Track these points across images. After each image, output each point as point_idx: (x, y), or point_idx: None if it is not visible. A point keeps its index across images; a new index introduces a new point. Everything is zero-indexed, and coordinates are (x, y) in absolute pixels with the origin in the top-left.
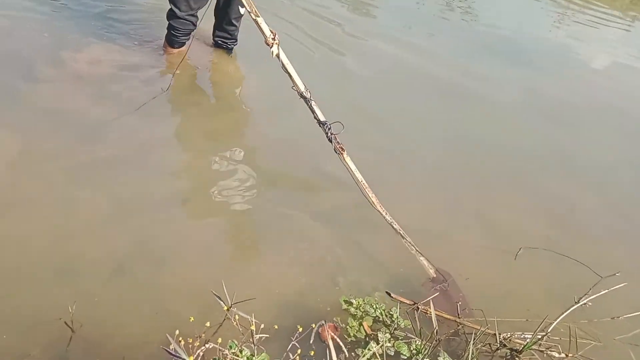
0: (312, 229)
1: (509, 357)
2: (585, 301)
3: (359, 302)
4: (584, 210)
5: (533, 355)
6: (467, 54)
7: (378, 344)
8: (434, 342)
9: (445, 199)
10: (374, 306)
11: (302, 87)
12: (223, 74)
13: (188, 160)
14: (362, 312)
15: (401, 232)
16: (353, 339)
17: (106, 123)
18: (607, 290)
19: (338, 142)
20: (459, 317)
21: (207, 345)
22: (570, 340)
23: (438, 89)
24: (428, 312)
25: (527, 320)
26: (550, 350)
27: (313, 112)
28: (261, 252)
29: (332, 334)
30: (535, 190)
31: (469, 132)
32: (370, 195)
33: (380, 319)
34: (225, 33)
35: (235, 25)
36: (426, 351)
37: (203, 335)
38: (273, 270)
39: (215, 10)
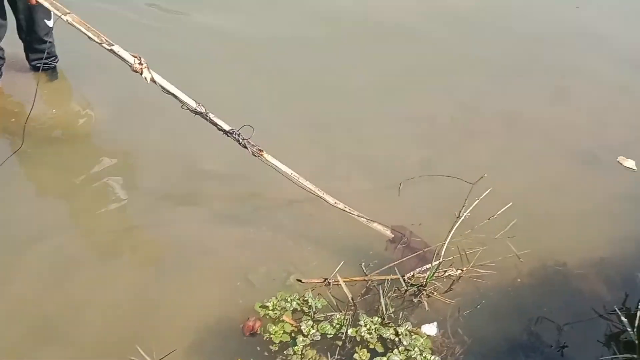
0: (214, 238)
1: (417, 292)
2: (464, 214)
3: (274, 303)
4: (443, 122)
5: (435, 284)
6: None
7: (304, 335)
8: (351, 309)
9: (320, 151)
10: (289, 299)
11: (192, 104)
12: (56, 102)
13: (64, 211)
14: (280, 309)
15: (347, 209)
16: (279, 345)
17: None
18: (478, 199)
19: (253, 145)
20: (366, 276)
21: None
22: (460, 255)
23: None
24: (339, 284)
25: (425, 250)
26: (447, 272)
27: (215, 124)
28: (166, 281)
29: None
30: (397, 116)
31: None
32: (305, 183)
33: (299, 309)
34: (38, 54)
35: (46, 42)
36: (347, 321)
37: None
38: (186, 295)
39: (19, 33)
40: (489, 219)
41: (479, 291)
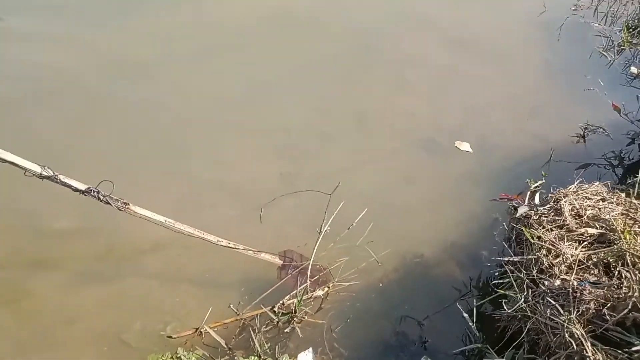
0: (78, 303)
1: (290, 320)
2: (324, 229)
3: None
4: (299, 130)
5: (304, 308)
6: None
7: None
8: (228, 354)
9: (182, 182)
10: (160, 359)
11: (37, 169)
12: None
13: None
14: None
15: (232, 245)
16: None
17: None
18: (335, 212)
19: (117, 200)
20: (238, 314)
21: None
22: (324, 272)
23: None
24: (212, 329)
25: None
26: (315, 292)
27: (68, 186)
28: None
29: None
30: (252, 132)
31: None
32: (182, 228)
33: None
34: None
35: None
36: None
37: None
38: None
39: None
40: (348, 228)
41: (346, 302)
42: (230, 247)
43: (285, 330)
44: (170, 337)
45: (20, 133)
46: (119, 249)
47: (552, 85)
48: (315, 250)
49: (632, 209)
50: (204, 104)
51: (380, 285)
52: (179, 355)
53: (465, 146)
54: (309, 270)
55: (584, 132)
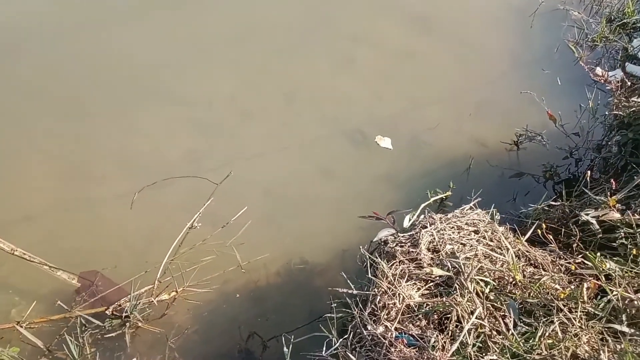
0: None
1: (124, 324)
2: (194, 224)
3: None
4: (222, 104)
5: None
6: None
7: None
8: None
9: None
10: None
11: None
12: None
13: None
14: None
15: (27, 256)
16: None
17: None
18: (198, 214)
19: None
20: (68, 311)
21: None
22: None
23: None
24: (34, 325)
25: (145, 272)
26: (161, 295)
27: None
28: None
29: None
30: (172, 99)
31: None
32: None
33: None
34: None
35: None
36: None
37: None
38: None
39: None
40: (222, 227)
41: (193, 312)
42: (25, 259)
43: (113, 335)
44: None
45: None
46: None
47: (508, 80)
48: (171, 250)
49: (498, 248)
50: (124, 63)
51: (238, 296)
52: None
53: (386, 142)
54: (159, 273)
55: (518, 139)
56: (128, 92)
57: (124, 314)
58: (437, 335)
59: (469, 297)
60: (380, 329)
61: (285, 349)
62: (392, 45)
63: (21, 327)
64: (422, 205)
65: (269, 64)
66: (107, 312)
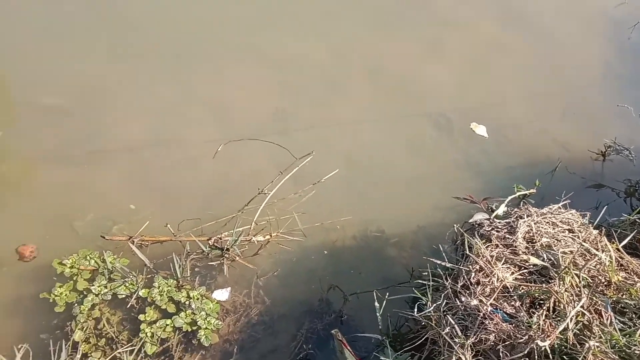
0: (42, 180)
1: (222, 256)
2: (265, 188)
3: (73, 260)
4: (310, 69)
5: (240, 247)
6: None
7: (95, 294)
8: (147, 270)
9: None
10: (88, 257)
11: None
12: None
13: None
14: (77, 269)
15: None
16: (63, 307)
17: None
18: (288, 176)
19: None
20: (174, 236)
21: None
22: (270, 222)
23: None
24: (145, 242)
25: (241, 212)
26: (255, 237)
27: None
28: None
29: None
30: (263, 58)
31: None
32: None
33: (97, 267)
34: None
35: None
36: (138, 283)
37: None
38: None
39: None
40: (313, 184)
41: (283, 256)
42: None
43: (213, 264)
44: (103, 237)
45: None
46: (95, 138)
47: (598, 89)
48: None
49: (594, 248)
50: (218, 20)
51: (325, 252)
52: (103, 258)
53: (481, 130)
54: (256, 216)
55: (605, 150)
56: (226, 49)
57: (224, 247)
58: (538, 316)
59: (571, 286)
60: (474, 302)
61: (376, 303)
62: (483, 36)
63: (132, 243)
64: (509, 198)
65: (360, 39)
66: (209, 242)
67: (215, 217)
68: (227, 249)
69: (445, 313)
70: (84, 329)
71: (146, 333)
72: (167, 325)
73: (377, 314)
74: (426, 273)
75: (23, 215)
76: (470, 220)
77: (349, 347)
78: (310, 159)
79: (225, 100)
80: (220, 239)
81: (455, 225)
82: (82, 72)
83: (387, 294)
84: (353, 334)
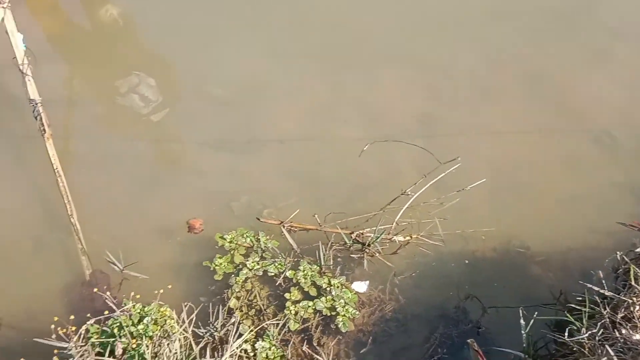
0: (208, 162)
1: (362, 250)
2: (408, 189)
3: (232, 236)
4: (460, 74)
5: (380, 245)
6: None
7: (249, 269)
8: (297, 254)
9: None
10: (245, 235)
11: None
12: None
13: None
14: (235, 244)
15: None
16: (221, 276)
17: None
18: (434, 181)
19: (43, 124)
20: (320, 226)
21: None
22: (411, 223)
23: None
24: (293, 228)
25: (383, 211)
26: (395, 236)
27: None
28: (158, 190)
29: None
30: (413, 61)
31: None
32: (63, 187)
33: (252, 245)
34: None
35: None
36: (287, 265)
37: None
38: (171, 208)
39: None
40: (457, 191)
41: (423, 259)
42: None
43: (354, 257)
44: (259, 219)
45: None
46: (253, 130)
47: None
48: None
49: None
50: (379, 21)
51: (467, 262)
52: (258, 238)
53: None
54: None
55: None
56: (380, 53)
57: (366, 242)
58: None
59: None
60: (637, 337)
61: (522, 321)
62: None
63: (283, 227)
64: None
65: (517, 46)
66: (352, 235)
67: (357, 213)
68: (369, 245)
69: (601, 342)
70: (238, 298)
71: (290, 310)
72: (309, 306)
73: (523, 332)
74: (578, 297)
75: (186, 193)
76: (636, 250)
77: (485, 359)
78: (455, 165)
79: (374, 101)
80: (362, 234)
81: (618, 252)
82: (245, 67)
83: (536, 313)
84: (489, 346)
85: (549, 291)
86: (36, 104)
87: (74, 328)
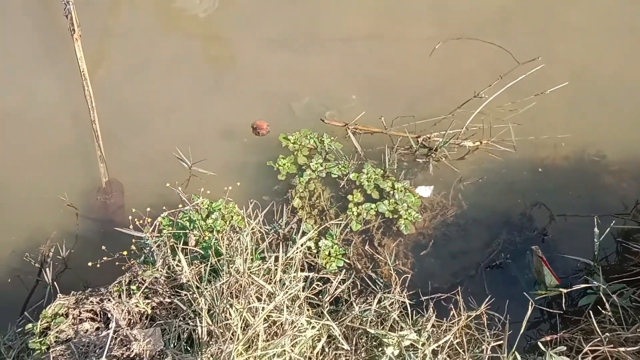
0: (268, 62)
1: (427, 155)
2: (481, 92)
3: (296, 137)
4: None
5: (448, 150)
6: None
7: (312, 170)
8: (357, 156)
9: None
10: (309, 136)
11: None
12: None
13: None
14: (299, 145)
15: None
16: (285, 176)
17: None
18: (512, 83)
19: (73, 24)
20: (385, 129)
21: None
22: (483, 128)
23: None
24: (358, 130)
25: (452, 115)
26: (464, 141)
27: None
28: (221, 91)
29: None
30: None
31: None
32: (88, 91)
33: (315, 147)
34: None
35: None
36: (350, 166)
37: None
38: (232, 109)
39: None
40: (535, 95)
41: (491, 165)
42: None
43: (419, 161)
44: (323, 120)
45: None
46: (313, 28)
47: None
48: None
49: None
50: None
51: (540, 170)
52: (322, 139)
53: None
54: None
55: None
56: None
57: (433, 147)
58: None
59: None
60: None
61: (596, 229)
62: None
63: (348, 129)
64: None
65: None
66: (418, 139)
67: (423, 117)
68: (435, 149)
69: None
70: (302, 198)
71: (353, 212)
72: (371, 208)
73: (595, 240)
74: None
75: (245, 93)
76: None
77: (549, 265)
78: (537, 67)
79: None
80: (429, 138)
81: None
82: None
83: (613, 222)
84: (554, 254)
85: (621, 202)
86: (67, 2)
87: (149, 220)
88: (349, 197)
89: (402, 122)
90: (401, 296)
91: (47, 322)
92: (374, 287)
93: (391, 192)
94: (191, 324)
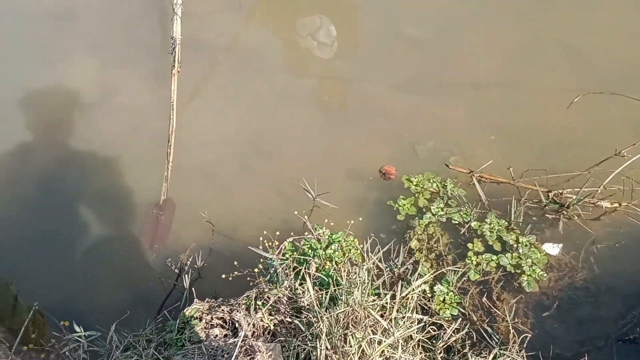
0: (394, 103)
1: (558, 211)
2: (624, 150)
3: (419, 179)
4: None
5: (582, 208)
6: None
7: (433, 214)
8: (480, 205)
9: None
10: (431, 180)
11: None
12: None
13: None
14: (421, 187)
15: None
16: (404, 216)
17: None
18: None
19: (174, 60)
20: (513, 180)
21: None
22: (624, 189)
23: None
24: (484, 179)
25: (588, 172)
26: (601, 201)
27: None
28: (344, 129)
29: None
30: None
31: None
32: (172, 122)
33: (437, 191)
34: None
35: None
36: (473, 214)
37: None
38: (356, 147)
39: None
40: None
41: (629, 229)
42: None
43: (548, 217)
44: (447, 165)
45: None
46: (444, 72)
47: None
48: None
49: None
50: None
51: None
52: (445, 184)
53: None
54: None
55: None
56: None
57: (565, 203)
58: None
59: None
60: None
61: None
62: None
63: (473, 176)
64: None
65: None
66: (548, 194)
67: (554, 171)
68: (568, 206)
69: None
70: (420, 240)
71: (472, 260)
72: (492, 259)
73: None
74: None
75: (370, 133)
76: None
77: None
78: None
79: (586, 45)
80: (561, 194)
81: None
82: (441, 6)
83: None
84: None
85: None
86: (175, 41)
87: (277, 243)
88: (469, 245)
89: (532, 175)
90: (519, 355)
91: (183, 322)
92: (489, 341)
93: (515, 246)
94: (309, 344)
